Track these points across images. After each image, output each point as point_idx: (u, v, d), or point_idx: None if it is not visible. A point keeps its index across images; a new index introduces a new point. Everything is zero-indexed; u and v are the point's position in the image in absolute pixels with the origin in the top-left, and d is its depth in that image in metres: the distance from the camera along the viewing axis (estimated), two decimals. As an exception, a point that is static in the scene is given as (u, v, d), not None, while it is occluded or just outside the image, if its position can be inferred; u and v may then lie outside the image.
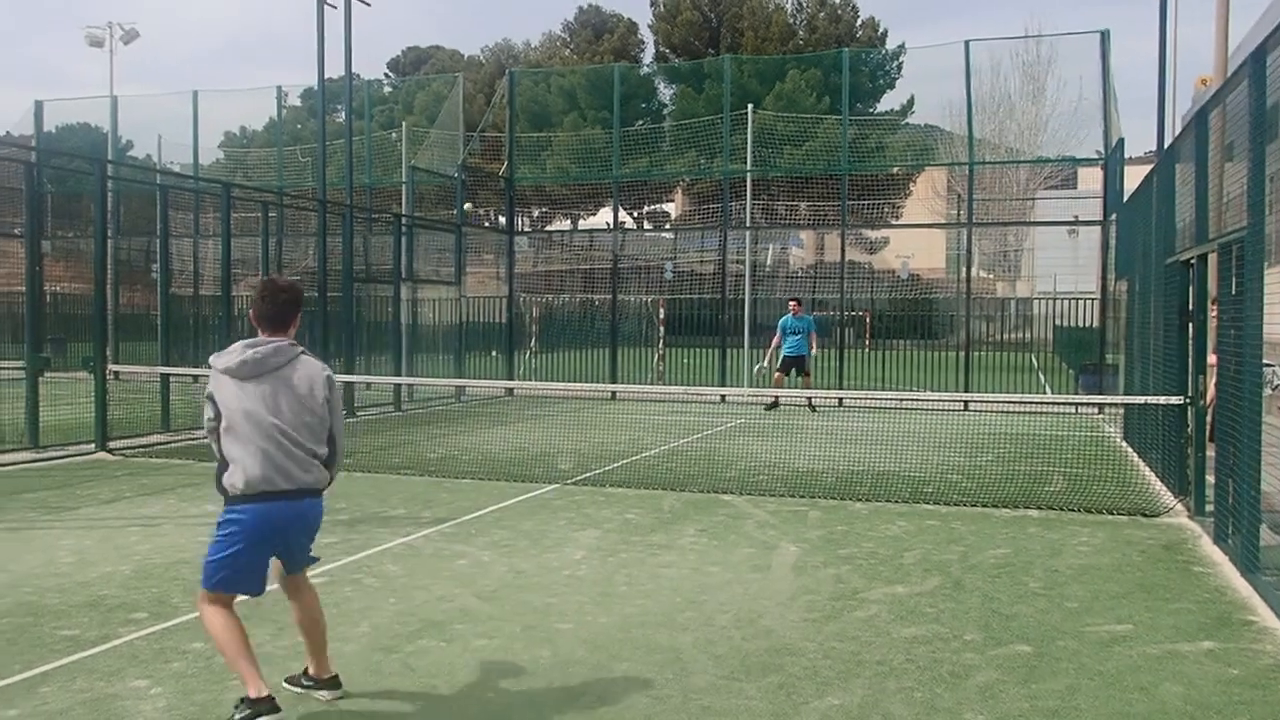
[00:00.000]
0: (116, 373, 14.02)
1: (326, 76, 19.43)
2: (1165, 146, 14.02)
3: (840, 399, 19.67)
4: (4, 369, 14.76)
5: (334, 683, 4.69)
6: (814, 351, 19.40)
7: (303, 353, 4.55)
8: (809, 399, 18.90)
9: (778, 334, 19.36)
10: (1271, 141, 6.59)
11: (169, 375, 15.12)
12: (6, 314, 24.38)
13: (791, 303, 19.98)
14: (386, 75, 63.87)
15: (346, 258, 18.15)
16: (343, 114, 25.72)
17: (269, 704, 4.21)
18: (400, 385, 19.05)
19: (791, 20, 53.73)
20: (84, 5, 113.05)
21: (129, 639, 5.47)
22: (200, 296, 22.28)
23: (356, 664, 5.11)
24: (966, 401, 18.96)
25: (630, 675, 4.99)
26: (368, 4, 19.58)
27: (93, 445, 12.79)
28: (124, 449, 12.94)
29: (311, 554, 4.72)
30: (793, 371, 19.06)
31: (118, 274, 21.74)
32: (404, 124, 28.77)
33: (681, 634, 5.64)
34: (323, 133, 19.98)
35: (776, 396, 18.69)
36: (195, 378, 17.72)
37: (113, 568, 6.97)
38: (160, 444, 13.54)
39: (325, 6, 19.02)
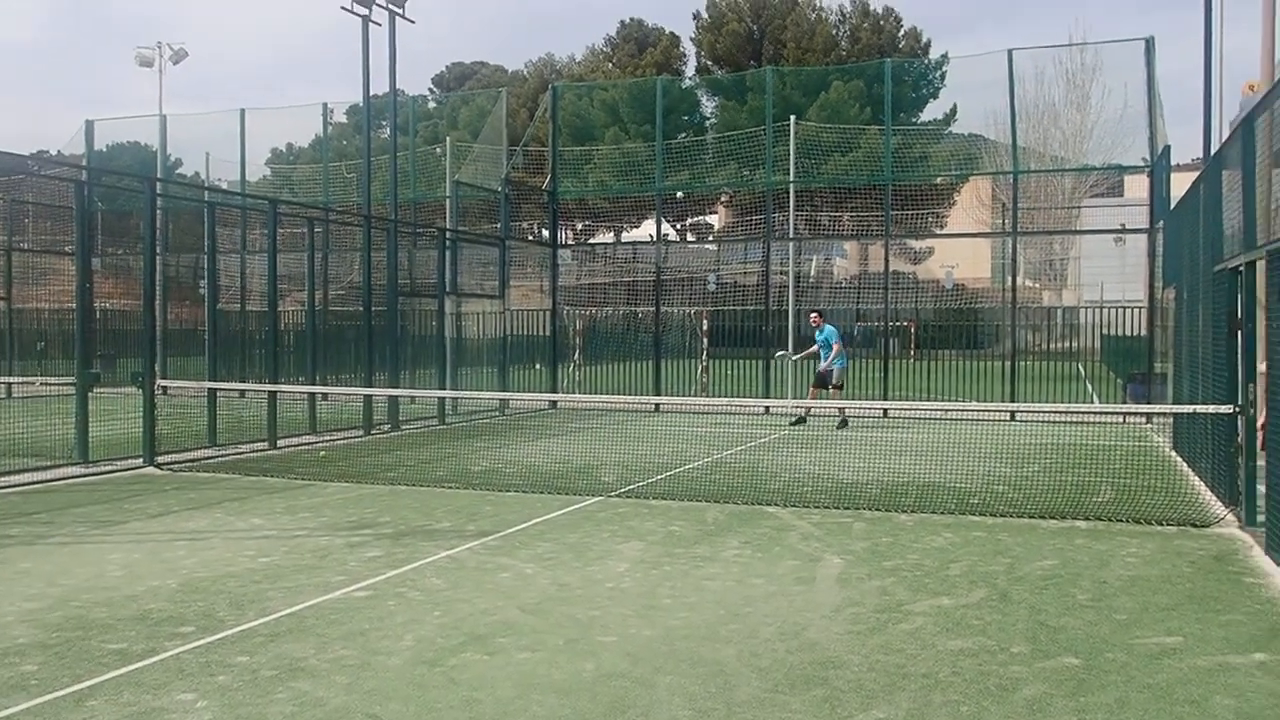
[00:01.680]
0: (165, 388, 14.20)
1: (372, 93, 19.68)
2: (1213, 153, 13.83)
3: (885, 410, 19.54)
4: (55, 385, 15.01)
5: None
6: (826, 364, 17.94)
7: None
8: (839, 411, 18.27)
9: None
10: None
11: (216, 390, 15.32)
12: (57, 330, 24.89)
13: (812, 315, 18.86)
14: (431, 91, 64.59)
15: (391, 272, 18.31)
16: (388, 130, 25.99)
17: None
18: (444, 399, 19.17)
19: (834, 31, 53.59)
20: (128, 22, 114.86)
21: (175, 652, 5.53)
22: (248, 312, 22.54)
23: (400, 677, 5.13)
24: (1013, 412, 18.76)
25: (674, 688, 4.97)
26: (411, 21, 19.81)
27: (141, 460, 12.97)
28: (172, 464, 13.11)
29: None
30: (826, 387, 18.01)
31: (166, 290, 22.07)
32: (448, 139, 29.00)
33: (725, 647, 5.61)
34: (368, 148, 20.23)
35: (808, 409, 18.50)
36: (242, 393, 17.95)
37: (160, 581, 7.06)
38: (207, 459, 13.71)
39: (370, 24, 19.26)
